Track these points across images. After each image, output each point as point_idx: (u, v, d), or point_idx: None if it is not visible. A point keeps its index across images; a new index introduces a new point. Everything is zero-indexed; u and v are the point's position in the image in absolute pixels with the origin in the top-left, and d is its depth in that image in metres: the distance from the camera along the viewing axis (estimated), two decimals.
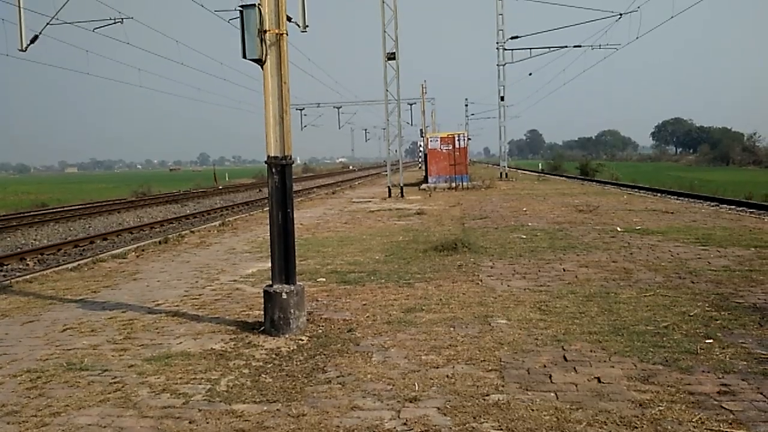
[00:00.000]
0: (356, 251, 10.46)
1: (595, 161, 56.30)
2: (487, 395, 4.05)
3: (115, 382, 4.57)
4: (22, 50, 12.98)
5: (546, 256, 9.20)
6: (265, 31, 5.69)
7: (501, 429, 3.55)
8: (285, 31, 5.77)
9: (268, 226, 5.94)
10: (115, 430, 3.76)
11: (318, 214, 18.29)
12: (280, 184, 5.80)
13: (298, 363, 4.89)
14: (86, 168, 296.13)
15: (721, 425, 3.49)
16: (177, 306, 6.94)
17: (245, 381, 4.52)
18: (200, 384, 4.48)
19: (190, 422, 3.83)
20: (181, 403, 4.14)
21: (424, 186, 29.19)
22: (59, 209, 27.90)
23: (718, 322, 5.50)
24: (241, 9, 5.73)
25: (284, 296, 5.66)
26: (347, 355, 5.01)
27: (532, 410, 3.78)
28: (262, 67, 5.78)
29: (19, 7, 13.11)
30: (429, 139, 30.32)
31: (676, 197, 23.52)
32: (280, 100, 5.76)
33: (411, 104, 53.67)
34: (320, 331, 5.73)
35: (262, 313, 5.85)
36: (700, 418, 3.59)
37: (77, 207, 28.90)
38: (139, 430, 3.76)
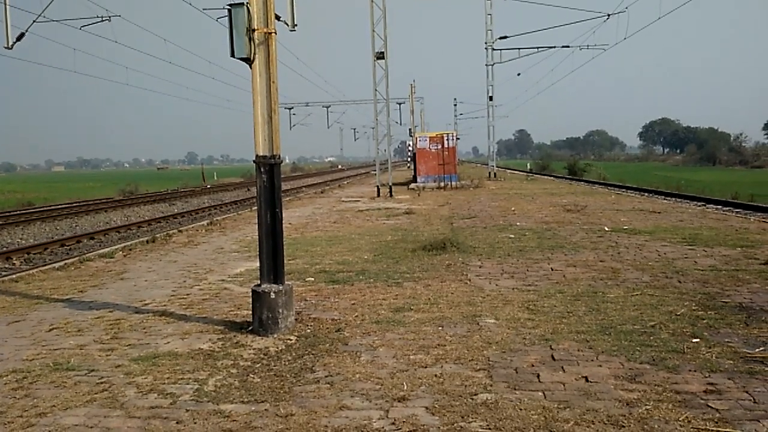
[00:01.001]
0: (345, 250, 10.45)
1: (582, 161, 56.70)
2: (476, 394, 4.06)
3: (102, 383, 4.54)
4: (8, 48, 12.88)
5: (534, 256, 9.24)
6: (254, 30, 5.66)
7: (489, 428, 3.56)
8: (274, 30, 5.75)
9: (257, 226, 5.92)
10: (102, 431, 3.73)
11: (307, 213, 18.25)
12: (269, 184, 5.78)
13: (287, 363, 4.88)
14: (73, 167, 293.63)
15: (708, 424, 3.52)
16: (164, 306, 6.90)
17: (233, 381, 4.50)
18: (188, 384, 4.45)
19: (177, 422, 3.81)
20: (168, 403, 4.12)
21: (412, 185, 29.17)
22: (46, 208, 27.64)
23: (704, 321, 5.54)
24: (229, 7, 5.70)
25: (272, 296, 5.64)
26: (336, 355, 5.00)
27: (520, 409, 3.79)
28: (250, 66, 5.75)
29: (5, 4, 13.00)
30: (418, 139, 30.30)
31: (663, 197, 23.71)
32: (269, 99, 5.74)
33: (400, 104, 53.79)
34: (309, 330, 5.72)
35: (251, 312, 5.83)
36: (686, 416, 3.62)
37: (64, 206, 28.64)
38: (126, 430, 3.73)
